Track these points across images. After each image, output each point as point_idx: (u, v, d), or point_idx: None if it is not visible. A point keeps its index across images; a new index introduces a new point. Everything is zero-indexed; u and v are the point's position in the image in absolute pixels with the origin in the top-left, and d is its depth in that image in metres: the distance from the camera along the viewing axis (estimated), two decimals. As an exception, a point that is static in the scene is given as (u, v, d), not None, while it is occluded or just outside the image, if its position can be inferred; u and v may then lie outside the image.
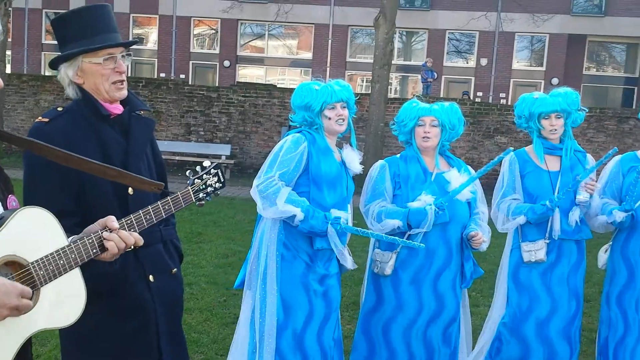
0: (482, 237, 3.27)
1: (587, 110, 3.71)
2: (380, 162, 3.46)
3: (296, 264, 3.10)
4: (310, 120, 3.18)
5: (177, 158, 14.59)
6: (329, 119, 3.13)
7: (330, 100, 3.12)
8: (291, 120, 3.28)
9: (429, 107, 3.37)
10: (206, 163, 2.16)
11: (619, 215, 3.43)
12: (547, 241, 3.53)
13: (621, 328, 3.55)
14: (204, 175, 2.12)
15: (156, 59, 27.13)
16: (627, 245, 3.55)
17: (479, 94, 24.93)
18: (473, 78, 25.72)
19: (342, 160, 3.24)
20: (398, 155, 3.46)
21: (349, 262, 3.20)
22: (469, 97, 19.47)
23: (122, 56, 2.24)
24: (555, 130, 3.57)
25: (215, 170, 2.14)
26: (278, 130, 15.17)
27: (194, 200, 2.08)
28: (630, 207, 3.42)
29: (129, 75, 12.94)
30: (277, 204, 2.94)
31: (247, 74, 27.40)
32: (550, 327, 3.55)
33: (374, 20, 14.06)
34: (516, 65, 25.62)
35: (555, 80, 24.00)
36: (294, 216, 2.96)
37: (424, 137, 3.33)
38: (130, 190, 2.19)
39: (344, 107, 3.17)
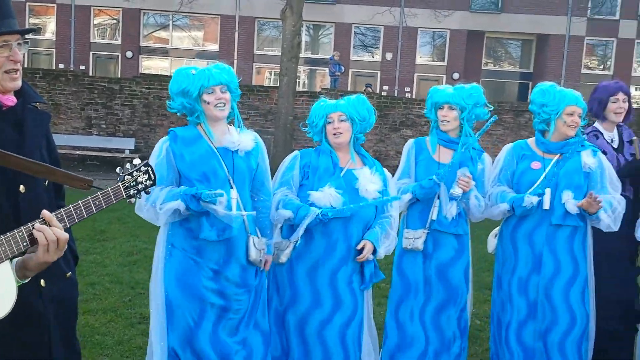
0: (369, 253, 3.24)
1: (492, 108, 3.81)
2: (295, 152, 3.45)
3: (184, 262, 3.02)
4: (189, 107, 3.08)
5: (77, 152, 13.98)
6: (208, 103, 3.03)
7: (207, 83, 3.01)
8: (170, 108, 3.16)
9: (335, 103, 3.35)
10: (136, 161, 2.10)
11: (533, 199, 3.51)
12: (427, 231, 3.62)
13: (514, 310, 3.69)
14: (135, 172, 2.05)
15: (54, 50, 25.82)
16: (517, 231, 3.69)
17: (385, 87, 25.49)
18: (379, 72, 26.26)
19: (226, 147, 3.10)
20: (314, 149, 3.45)
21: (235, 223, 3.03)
22: (372, 90, 19.83)
23: (18, 44, 2.07)
24: (447, 121, 3.64)
25: (146, 168, 2.08)
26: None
27: (124, 197, 2.02)
28: (543, 191, 3.54)
29: (26, 66, 12.23)
30: (158, 211, 2.91)
31: (151, 65, 26.61)
32: (426, 316, 3.66)
33: (281, 13, 14.01)
34: (419, 60, 26.39)
35: (456, 75, 24.93)
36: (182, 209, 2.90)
37: (334, 134, 3.32)
38: (21, 187, 2.04)
39: (224, 91, 3.06)
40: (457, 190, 3.54)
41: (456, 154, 3.64)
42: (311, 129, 3.44)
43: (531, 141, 3.81)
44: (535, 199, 3.52)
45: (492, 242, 3.89)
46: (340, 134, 3.31)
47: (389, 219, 3.38)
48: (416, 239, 3.62)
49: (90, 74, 22.29)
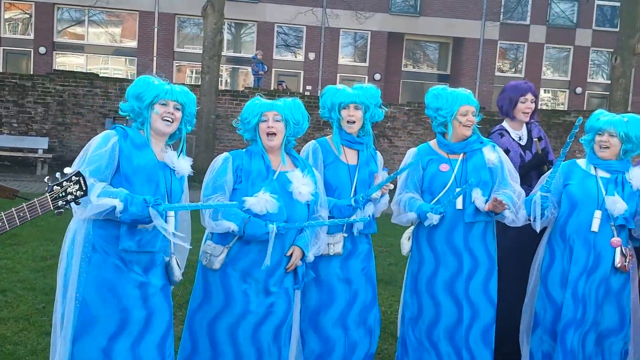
0: (297, 259, 3.27)
1: (386, 109, 3.85)
2: (225, 154, 3.35)
3: (106, 267, 2.88)
4: (138, 111, 3.00)
5: (-15, 153, 13.28)
6: (157, 113, 2.97)
7: (164, 95, 2.97)
8: (121, 110, 3.07)
9: (272, 103, 3.33)
10: (67, 170, 1.98)
11: (435, 218, 3.58)
12: (345, 235, 3.62)
13: (431, 313, 3.75)
14: (65, 182, 1.93)
15: (-40, 45, 24.40)
16: (433, 233, 3.73)
17: (308, 87, 25.59)
18: (302, 72, 26.33)
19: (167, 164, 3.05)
20: (244, 150, 3.38)
21: (185, 244, 3.05)
22: (285, 87, 19.80)
23: None
24: (354, 121, 3.64)
25: (77, 178, 1.96)
26: (102, 122, 14.36)
27: (52, 208, 1.89)
28: (444, 209, 3.59)
29: None
30: (91, 200, 2.68)
31: (66, 62, 25.54)
32: (349, 319, 3.65)
33: (202, 10, 13.80)
34: (342, 60, 26.67)
35: (377, 76, 25.38)
36: (114, 210, 2.75)
37: (268, 133, 3.27)
38: None
39: (178, 109, 3.02)
40: (377, 194, 3.57)
41: (362, 154, 3.68)
42: (243, 125, 3.36)
43: (433, 144, 3.86)
44: (436, 218, 3.57)
45: (406, 244, 3.88)
46: (274, 134, 3.27)
47: (318, 220, 3.38)
48: (336, 243, 3.61)
49: (1, 70, 21.15)
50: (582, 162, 3.77)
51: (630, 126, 3.55)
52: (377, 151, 3.88)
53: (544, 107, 24.80)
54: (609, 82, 17.35)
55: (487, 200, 3.63)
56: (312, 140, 3.86)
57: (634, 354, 3.70)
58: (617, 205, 3.51)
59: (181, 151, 3.13)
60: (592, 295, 3.58)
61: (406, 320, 3.86)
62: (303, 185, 3.30)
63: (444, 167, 3.74)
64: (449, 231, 3.70)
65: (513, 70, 27.45)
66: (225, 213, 3.15)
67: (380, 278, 6.48)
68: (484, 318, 3.71)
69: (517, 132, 4.29)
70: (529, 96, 4.23)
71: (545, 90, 27.45)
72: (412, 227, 3.86)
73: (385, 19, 25.88)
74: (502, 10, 24.67)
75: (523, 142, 4.25)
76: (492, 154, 3.74)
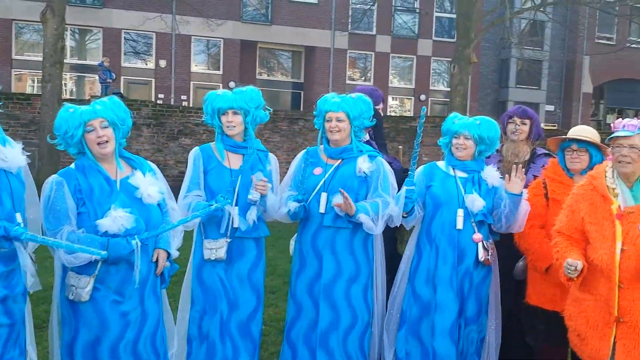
0: (164, 262, 3.19)
1: (270, 109, 3.86)
2: (53, 178, 3.03)
3: None
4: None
5: None
6: None
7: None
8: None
9: (93, 110, 3.05)
10: None
11: (292, 205, 3.66)
12: (229, 240, 3.60)
13: (312, 314, 3.77)
14: None
15: None
16: (301, 238, 3.80)
17: (161, 95, 24.85)
18: (153, 80, 25.52)
19: None
20: (73, 167, 3.09)
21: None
22: (122, 95, 18.91)
23: None
24: (234, 126, 3.63)
25: None
26: None
27: None
28: (303, 197, 3.68)
29: None
30: None
31: None
32: (232, 325, 3.65)
33: (41, 15, 12.93)
34: (195, 68, 26.20)
35: (232, 84, 25.21)
36: None
37: (99, 143, 3.03)
38: None
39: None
40: (255, 195, 3.56)
41: (246, 158, 3.64)
42: (64, 141, 3.06)
43: (322, 148, 3.93)
44: (293, 205, 3.65)
45: (292, 246, 3.97)
46: (106, 142, 3.04)
47: (169, 211, 3.29)
48: (218, 248, 3.56)
49: None
50: (441, 164, 3.97)
51: (483, 128, 3.79)
52: (271, 154, 3.86)
53: (392, 114, 26.06)
54: (449, 89, 18.57)
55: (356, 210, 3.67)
56: (195, 147, 3.80)
57: (495, 340, 3.94)
58: (476, 202, 3.73)
59: None
60: (462, 290, 3.78)
61: (288, 324, 3.89)
62: (150, 187, 3.15)
63: (318, 170, 3.80)
64: (314, 234, 3.76)
65: (363, 78, 28.55)
66: (80, 240, 2.91)
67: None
68: (344, 322, 3.74)
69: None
70: (381, 105, 4.42)
71: (393, 98, 28.84)
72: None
73: (237, 27, 25.83)
74: (349, 20, 25.57)
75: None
76: (366, 163, 3.77)
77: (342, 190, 3.61)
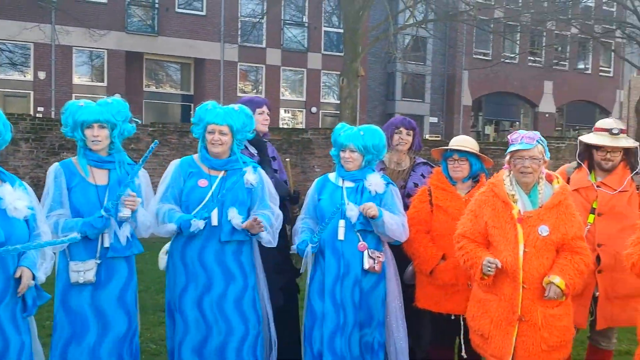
0: (29, 279, 2.93)
1: (139, 122, 3.74)
2: None
3: None
4: None
5: None
6: None
7: None
8: None
9: None
10: None
11: (200, 223, 3.54)
12: (98, 261, 3.42)
13: (189, 329, 3.69)
14: None
15: None
16: (185, 251, 3.69)
17: (40, 109, 23.51)
18: (32, 92, 24.14)
19: None
20: None
21: None
22: None
23: None
24: (99, 140, 3.45)
25: None
26: None
27: None
28: (207, 215, 3.58)
29: None
30: None
31: None
32: (102, 351, 3.45)
33: None
34: (77, 80, 25.05)
35: (117, 96, 24.30)
36: None
37: None
38: None
39: None
40: (125, 212, 3.40)
41: (113, 173, 3.50)
42: None
43: (197, 157, 3.82)
44: (201, 223, 3.55)
45: (162, 259, 3.82)
46: None
47: (41, 235, 3.07)
48: (87, 270, 3.37)
49: None
50: (332, 175, 4.03)
51: (367, 138, 3.85)
52: (143, 168, 3.66)
53: (285, 126, 26.24)
54: (339, 101, 18.98)
55: (244, 220, 3.67)
56: (55, 163, 3.54)
57: (404, 344, 4.02)
58: (352, 212, 3.78)
59: None
60: (348, 300, 3.81)
61: (169, 341, 3.77)
62: (17, 200, 2.95)
63: (203, 182, 3.70)
64: (202, 248, 3.66)
65: (255, 91, 28.55)
66: None
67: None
68: (238, 333, 3.72)
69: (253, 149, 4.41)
70: (265, 109, 4.42)
71: (285, 110, 29.04)
72: (169, 243, 3.77)
73: (121, 38, 24.99)
74: (239, 33, 25.52)
75: (256, 159, 4.31)
76: (252, 175, 3.76)
77: (255, 217, 3.61)
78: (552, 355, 3.52)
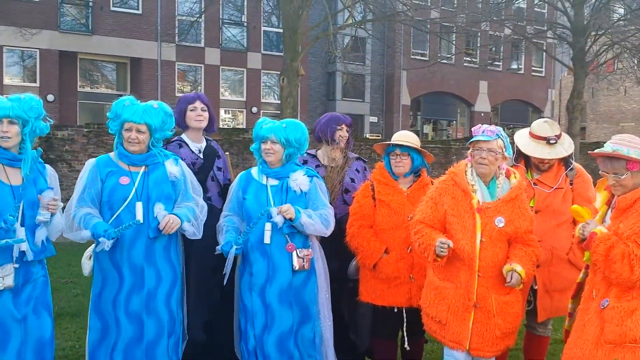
0: None
1: (52, 122, 3.63)
2: None
3: None
4: None
5: None
6: None
7: None
8: None
9: None
10: None
11: (107, 244, 3.44)
12: (17, 265, 3.29)
13: (114, 334, 3.61)
14: None
15: None
16: (114, 252, 3.59)
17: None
18: (-43, 93, 23.08)
19: None
20: None
21: None
22: None
23: None
24: (9, 137, 3.31)
25: None
26: None
27: None
28: (119, 234, 3.47)
29: None
30: None
31: None
32: (28, 355, 3.35)
33: None
34: (8, 80, 24.05)
35: (50, 97, 23.56)
36: None
37: None
38: None
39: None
40: (45, 216, 3.30)
41: (25, 172, 3.35)
42: None
43: (113, 155, 3.73)
44: (108, 245, 3.44)
45: (87, 264, 3.68)
46: None
47: None
48: (5, 276, 3.23)
49: None
50: (255, 171, 3.97)
51: (289, 131, 3.83)
52: (47, 165, 3.56)
53: (225, 127, 25.97)
54: (280, 101, 18.94)
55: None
56: None
57: (330, 337, 4.01)
58: (278, 217, 3.74)
59: None
60: (276, 301, 3.77)
61: (90, 345, 3.64)
62: None
63: (124, 179, 3.60)
64: (130, 247, 3.58)
65: (194, 91, 28.13)
66: None
67: (66, 311, 6.03)
68: (166, 332, 3.67)
69: (196, 145, 4.32)
70: (198, 104, 4.30)
71: (225, 111, 28.75)
72: (92, 246, 3.64)
73: (54, 37, 24.16)
74: (176, 32, 25.07)
75: (202, 155, 4.28)
76: (174, 167, 3.72)
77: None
78: (503, 342, 3.68)
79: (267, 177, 3.90)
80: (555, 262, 4.08)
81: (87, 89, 26.45)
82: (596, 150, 3.15)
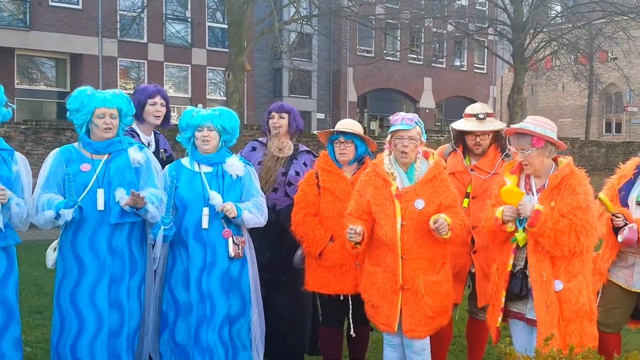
0: None
1: (14, 106, 3.61)
2: None
3: None
4: None
5: None
6: None
7: None
8: None
9: None
10: None
11: (68, 213, 3.40)
12: None
13: (75, 326, 3.56)
14: None
15: None
16: (76, 241, 3.56)
17: None
18: None
19: None
20: None
21: None
22: None
23: None
24: None
25: None
26: None
27: None
28: (74, 201, 3.43)
29: None
30: None
31: None
32: None
33: None
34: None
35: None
36: None
37: None
38: None
39: None
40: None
41: None
42: None
43: (78, 145, 3.71)
44: (69, 213, 3.40)
45: (51, 256, 3.63)
46: None
47: None
48: None
49: None
50: (186, 161, 3.93)
51: (224, 118, 3.85)
52: (19, 153, 3.53)
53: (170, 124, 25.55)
54: (225, 98, 18.75)
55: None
56: None
57: (259, 328, 3.99)
58: (216, 199, 3.73)
59: None
60: (217, 289, 3.73)
61: (52, 338, 3.61)
62: None
63: (85, 166, 3.59)
64: (93, 234, 3.54)
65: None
66: None
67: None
68: (131, 322, 3.66)
69: (146, 137, 4.28)
70: (158, 99, 4.26)
71: (173, 109, 28.31)
72: (58, 239, 3.62)
73: (-11, 32, 23.31)
74: (118, 27, 24.50)
75: (152, 149, 4.24)
76: (137, 153, 3.70)
77: (133, 191, 3.50)
78: (435, 321, 3.77)
79: (199, 165, 3.86)
80: (492, 247, 4.17)
81: (25, 86, 25.57)
82: (507, 128, 3.35)
